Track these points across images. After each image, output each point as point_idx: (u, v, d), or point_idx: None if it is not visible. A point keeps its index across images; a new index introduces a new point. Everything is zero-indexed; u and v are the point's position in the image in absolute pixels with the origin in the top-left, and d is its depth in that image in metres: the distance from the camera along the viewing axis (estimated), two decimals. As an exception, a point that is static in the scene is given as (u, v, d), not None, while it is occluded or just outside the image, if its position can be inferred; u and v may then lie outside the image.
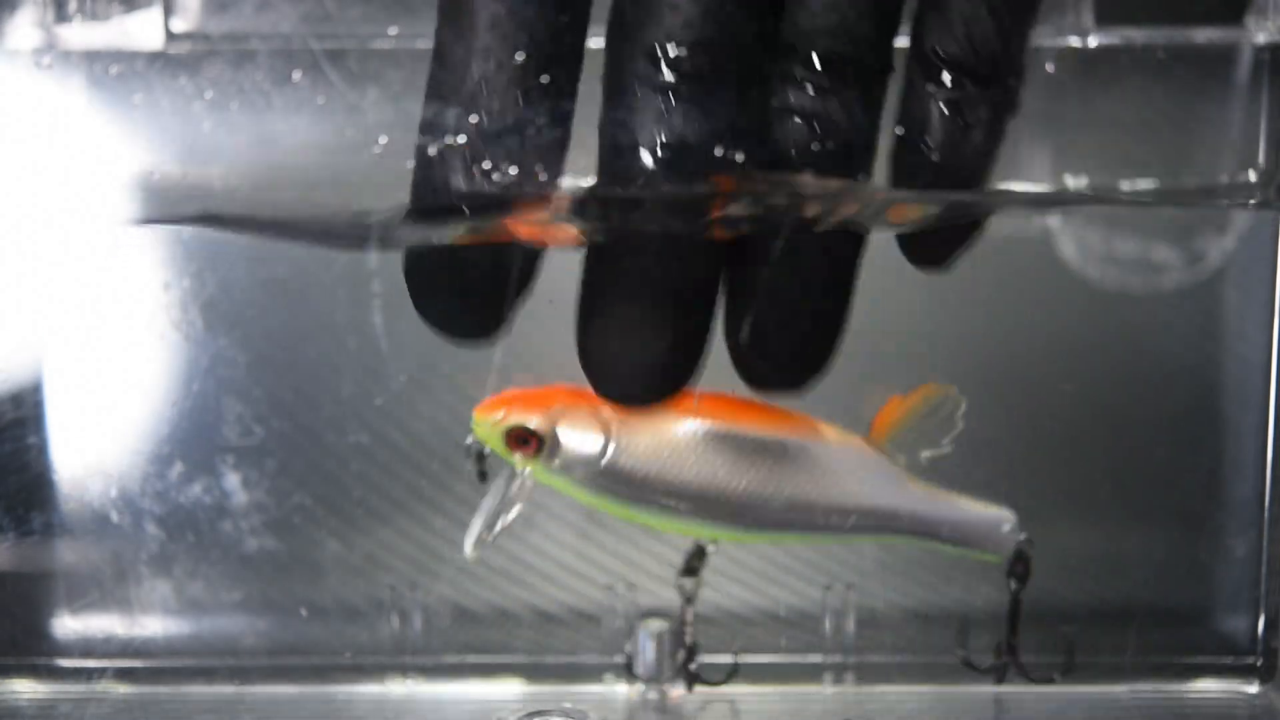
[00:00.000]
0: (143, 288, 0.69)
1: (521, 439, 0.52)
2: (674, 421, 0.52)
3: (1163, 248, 0.69)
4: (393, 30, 0.64)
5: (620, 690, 0.70)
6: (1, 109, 0.64)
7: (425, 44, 0.64)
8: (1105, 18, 0.64)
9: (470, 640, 0.71)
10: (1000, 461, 0.70)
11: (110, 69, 0.64)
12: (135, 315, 0.69)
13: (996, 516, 0.58)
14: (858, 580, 0.71)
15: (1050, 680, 0.66)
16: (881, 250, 0.67)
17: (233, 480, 0.70)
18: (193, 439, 0.70)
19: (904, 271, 0.65)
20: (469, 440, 0.53)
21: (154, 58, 0.64)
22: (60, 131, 0.64)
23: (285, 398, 0.70)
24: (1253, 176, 0.65)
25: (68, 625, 0.71)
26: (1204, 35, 0.65)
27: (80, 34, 0.64)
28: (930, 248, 0.50)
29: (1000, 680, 0.66)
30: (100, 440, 0.70)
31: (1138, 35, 0.65)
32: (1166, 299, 0.69)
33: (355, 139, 0.64)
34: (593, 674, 0.71)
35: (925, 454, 0.55)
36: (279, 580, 0.71)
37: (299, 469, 0.70)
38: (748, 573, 0.72)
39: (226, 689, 0.70)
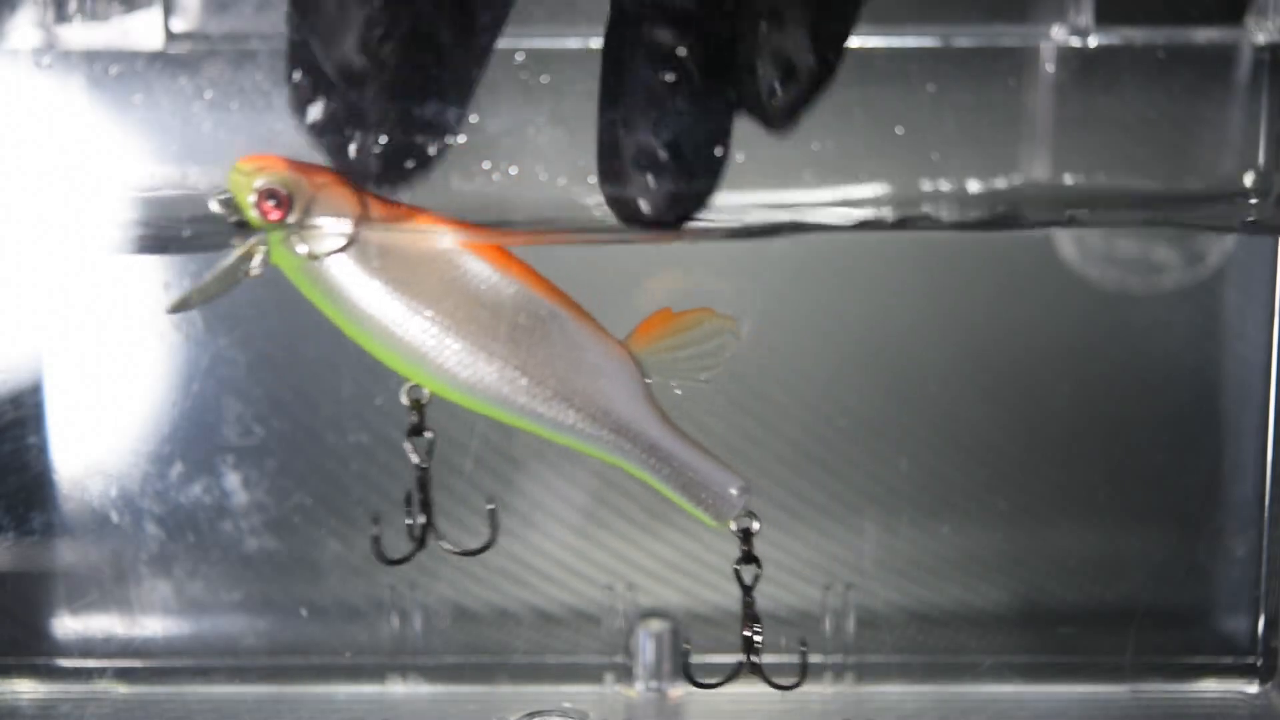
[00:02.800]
0: (143, 288, 0.69)
1: (272, 197, 0.47)
2: (431, 238, 0.48)
3: (1163, 248, 0.69)
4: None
5: (620, 690, 0.70)
6: (1, 109, 0.64)
7: (425, 44, 0.64)
8: (1105, 18, 0.64)
9: (470, 640, 0.71)
10: (1000, 461, 0.70)
11: (110, 69, 0.64)
12: (135, 315, 0.69)
13: (727, 477, 0.53)
14: (858, 580, 0.71)
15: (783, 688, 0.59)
16: (882, 249, 0.67)
17: (233, 480, 0.70)
18: (193, 439, 0.70)
19: (903, 270, 0.65)
20: (221, 195, 0.49)
21: (154, 58, 0.64)
22: (60, 131, 0.64)
23: (285, 398, 0.70)
24: (1249, 180, 0.65)
25: (68, 625, 0.71)
26: (1204, 35, 0.65)
27: (80, 34, 0.64)
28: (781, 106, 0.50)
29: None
30: (100, 440, 0.70)
31: (1138, 35, 0.65)
32: (1166, 299, 0.69)
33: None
34: (593, 674, 0.71)
35: (676, 385, 0.51)
36: (279, 580, 0.71)
37: (299, 469, 0.70)
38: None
39: (226, 689, 0.70)
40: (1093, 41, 0.64)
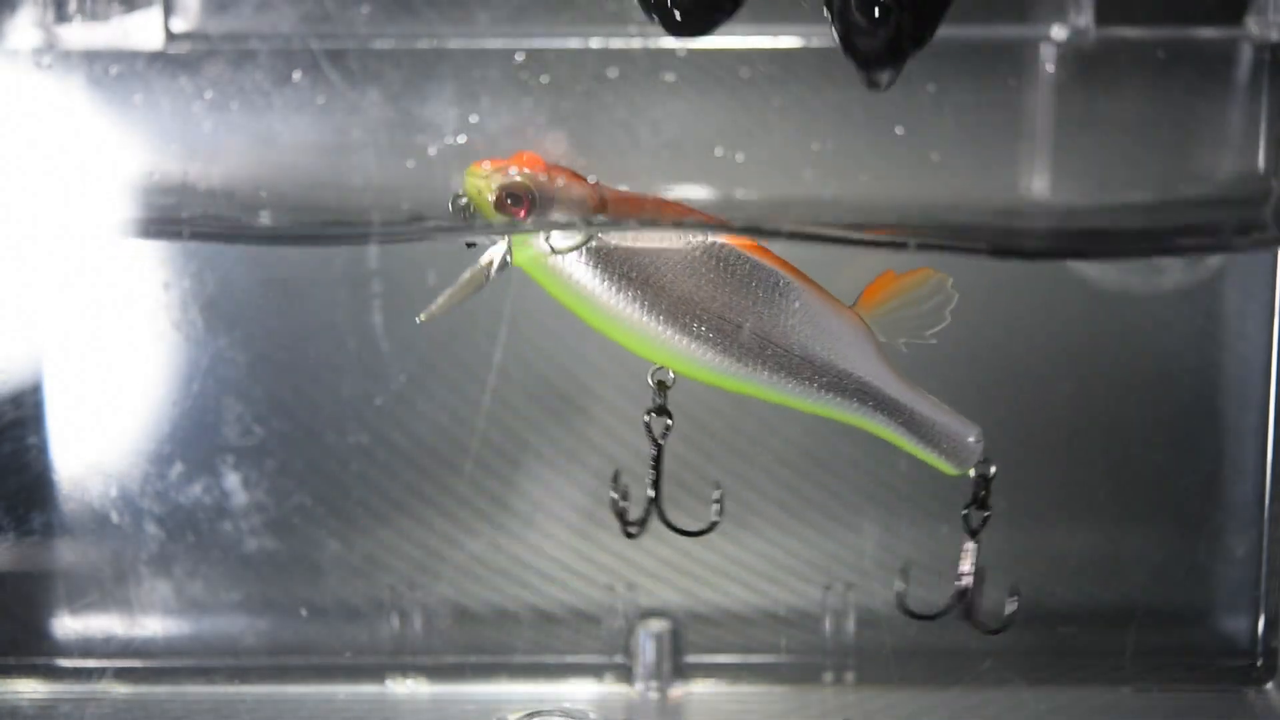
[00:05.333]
0: (143, 288, 0.69)
1: (514, 198, 0.49)
2: (666, 217, 0.51)
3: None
4: (393, 30, 0.64)
5: (620, 690, 0.70)
6: (2, 109, 0.64)
7: (425, 44, 0.64)
8: (1105, 18, 0.64)
9: (470, 640, 0.71)
10: (1000, 461, 0.69)
11: (110, 69, 0.64)
12: (135, 315, 0.69)
13: (964, 427, 0.56)
14: (858, 580, 0.71)
15: (994, 631, 0.60)
16: (879, 247, 0.67)
17: (233, 480, 0.70)
18: (193, 439, 0.70)
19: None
20: (459, 197, 0.51)
21: (154, 58, 0.64)
22: (60, 131, 0.64)
23: (285, 398, 0.70)
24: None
25: (68, 625, 0.71)
26: (1204, 35, 0.65)
27: (80, 34, 0.64)
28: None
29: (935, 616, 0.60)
30: (100, 440, 0.70)
31: (1138, 35, 0.65)
32: (1166, 299, 0.69)
33: (355, 139, 0.64)
34: (593, 674, 0.71)
35: (903, 342, 0.54)
36: (279, 580, 0.71)
37: (299, 469, 0.70)
38: (748, 573, 0.72)
39: (226, 689, 0.70)
40: (1093, 41, 0.65)
